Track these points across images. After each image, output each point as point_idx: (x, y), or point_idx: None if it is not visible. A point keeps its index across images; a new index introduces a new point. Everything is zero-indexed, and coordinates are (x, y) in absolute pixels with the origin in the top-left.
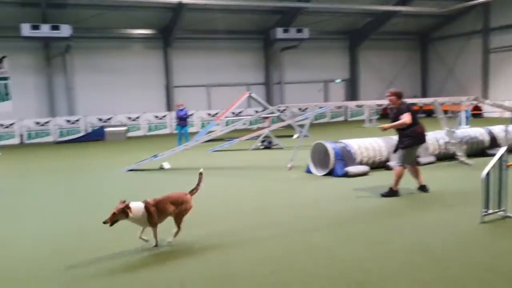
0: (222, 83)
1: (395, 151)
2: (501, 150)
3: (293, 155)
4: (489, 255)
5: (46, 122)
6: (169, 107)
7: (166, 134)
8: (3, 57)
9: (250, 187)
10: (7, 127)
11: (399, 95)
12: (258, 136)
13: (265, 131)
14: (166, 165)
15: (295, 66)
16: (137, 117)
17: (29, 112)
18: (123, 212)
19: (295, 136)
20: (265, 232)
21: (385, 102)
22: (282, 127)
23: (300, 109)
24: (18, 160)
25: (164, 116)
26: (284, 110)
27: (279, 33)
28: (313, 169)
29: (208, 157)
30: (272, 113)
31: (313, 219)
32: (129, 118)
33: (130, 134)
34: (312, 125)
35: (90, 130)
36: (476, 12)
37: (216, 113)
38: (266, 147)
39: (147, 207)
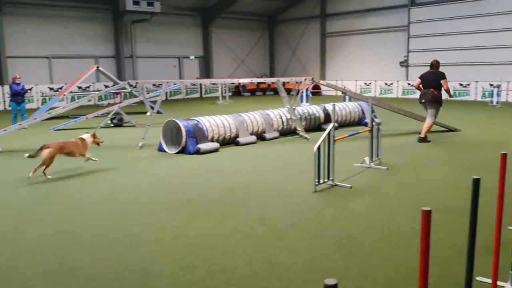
0: (66, 54)
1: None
2: (330, 126)
3: (144, 133)
4: (319, 222)
5: None
6: (1, 81)
7: None
8: None
9: (98, 165)
10: None
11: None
12: (108, 113)
13: (114, 108)
14: None
15: (148, 40)
16: None
17: None
18: None
19: (149, 113)
20: (105, 211)
21: (238, 80)
22: (135, 103)
23: (154, 85)
24: None
25: None
26: (135, 85)
27: (129, 4)
28: (165, 147)
29: (49, 136)
30: (123, 88)
31: (162, 198)
32: None
33: None
34: (167, 102)
35: None
36: None
37: (60, 88)
38: (117, 125)
39: None
